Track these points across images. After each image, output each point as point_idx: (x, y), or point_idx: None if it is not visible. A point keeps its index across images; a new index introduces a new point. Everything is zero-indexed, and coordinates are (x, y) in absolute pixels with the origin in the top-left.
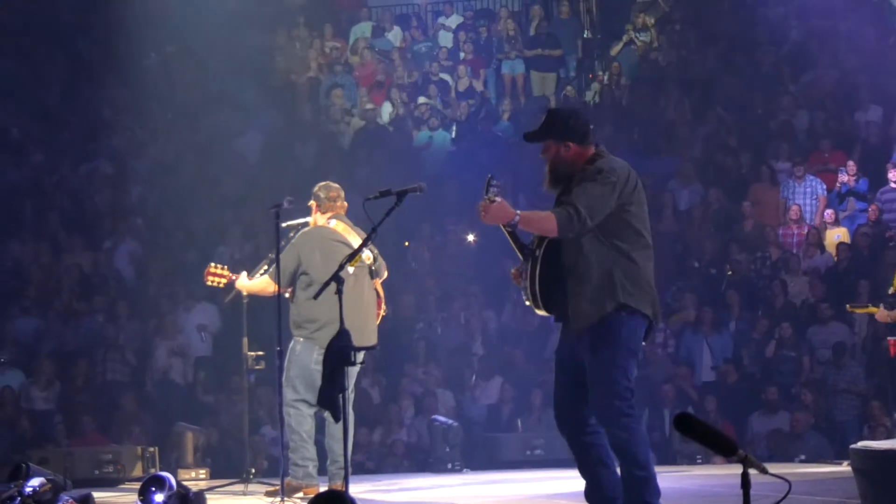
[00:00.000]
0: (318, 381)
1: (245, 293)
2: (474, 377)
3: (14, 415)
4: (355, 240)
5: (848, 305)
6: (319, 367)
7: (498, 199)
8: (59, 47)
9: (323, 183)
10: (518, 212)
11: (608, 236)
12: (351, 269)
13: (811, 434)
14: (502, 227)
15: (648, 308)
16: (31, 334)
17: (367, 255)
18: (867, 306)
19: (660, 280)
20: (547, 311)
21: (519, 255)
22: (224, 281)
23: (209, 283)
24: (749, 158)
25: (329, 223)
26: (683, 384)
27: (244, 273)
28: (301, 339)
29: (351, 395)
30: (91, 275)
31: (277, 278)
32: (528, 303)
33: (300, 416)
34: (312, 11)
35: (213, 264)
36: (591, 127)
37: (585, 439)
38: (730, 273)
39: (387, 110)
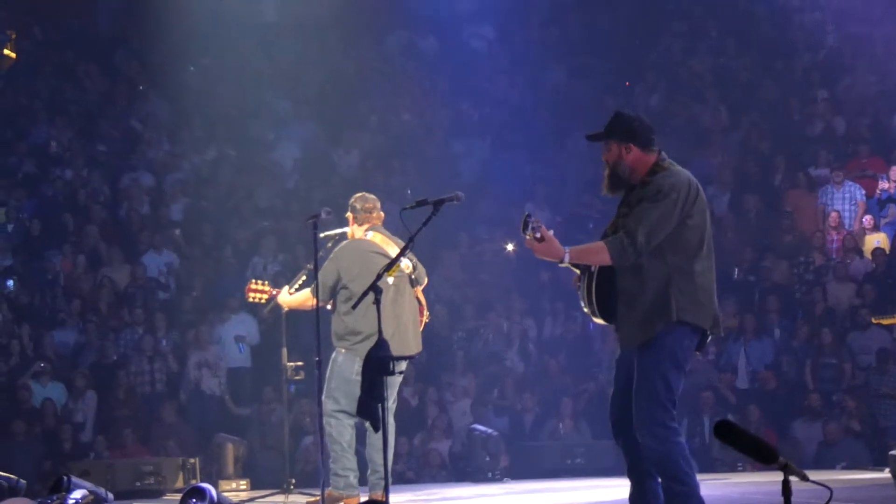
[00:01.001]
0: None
1: (286, 308)
2: (506, 387)
3: (55, 427)
4: (393, 250)
5: (873, 318)
6: (360, 378)
7: (539, 234)
8: (98, 61)
9: (359, 194)
10: (567, 249)
11: (667, 252)
12: (391, 280)
13: (853, 440)
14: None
15: (707, 321)
16: (71, 347)
17: (406, 264)
18: (894, 317)
19: None
20: (606, 320)
21: (574, 270)
22: (265, 297)
23: (250, 299)
24: (786, 164)
25: (366, 235)
26: (723, 391)
27: (285, 288)
28: (343, 351)
29: (392, 405)
30: (130, 286)
31: (317, 292)
32: (586, 310)
33: (341, 427)
34: (347, 20)
35: (253, 280)
36: (654, 134)
37: (640, 450)
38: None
39: (424, 120)
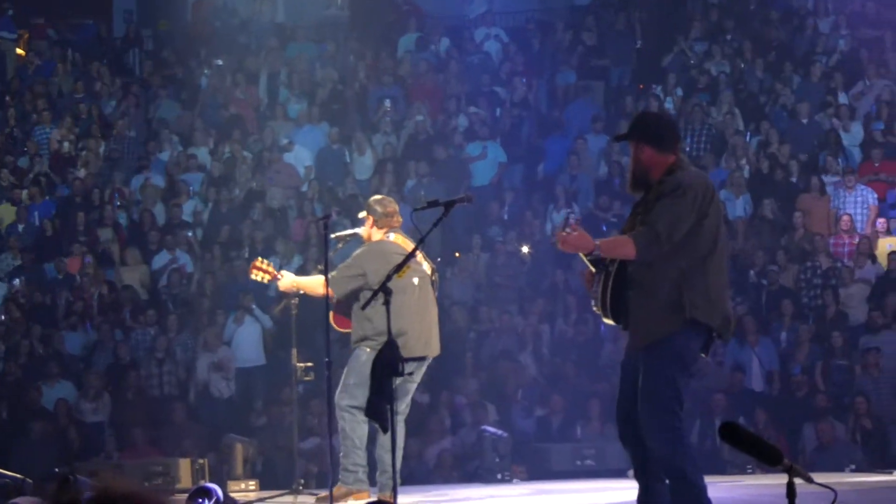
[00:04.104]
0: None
1: (294, 289)
2: (520, 390)
3: (67, 427)
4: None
5: None
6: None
7: (575, 232)
8: (112, 62)
9: (379, 197)
10: (597, 241)
11: (682, 251)
12: (416, 280)
13: (862, 443)
14: (581, 255)
15: (717, 320)
16: (82, 347)
17: (428, 266)
18: None
19: None
20: (615, 321)
21: (591, 267)
22: (268, 277)
23: (252, 275)
24: (799, 168)
25: (388, 237)
26: (735, 394)
27: (288, 273)
28: (367, 350)
29: (405, 408)
30: (142, 288)
31: (334, 284)
32: (596, 310)
33: (354, 423)
34: (361, 23)
35: (259, 259)
36: (676, 136)
37: (646, 452)
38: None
39: (436, 121)
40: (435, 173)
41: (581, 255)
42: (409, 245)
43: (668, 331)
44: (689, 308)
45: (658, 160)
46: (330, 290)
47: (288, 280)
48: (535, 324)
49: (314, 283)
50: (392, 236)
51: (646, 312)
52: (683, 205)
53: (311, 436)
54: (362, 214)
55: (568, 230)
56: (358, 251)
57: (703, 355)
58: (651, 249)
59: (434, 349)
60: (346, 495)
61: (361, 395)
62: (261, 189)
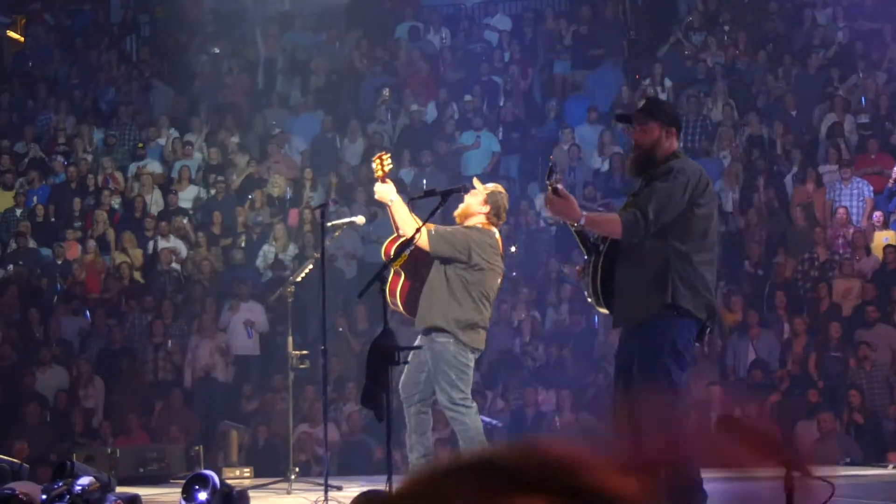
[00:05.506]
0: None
1: (387, 202)
2: (501, 383)
3: (63, 413)
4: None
5: None
6: (472, 365)
7: (560, 185)
8: (110, 48)
9: (503, 191)
10: (584, 213)
11: (670, 236)
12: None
13: (856, 436)
14: (568, 224)
15: (702, 312)
16: (77, 333)
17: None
18: None
19: None
20: (608, 308)
21: (583, 250)
22: (381, 174)
23: (373, 162)
24: (795, 160)
25: (491, 230)
26: (730, 386)
27: (392, 188)
28: (452, 340)
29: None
30: (138, 274)
31: (436, 239)
32: (589, 299)
33: (471, 413)
34: (357, 11)
35: (386, 152)
36: (680, 124)
37: None
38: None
39: (432, 110)
40: (430, 162)
41: (568, 224)
42: (500, 245)
43: (651, 312)
44: (671, 292)
45: (665, 142)
46: (426, 242)
47: (388, 193)
48: (531, 315)
49: (407, 219)
50: (494, 231)
51: (631, 289)
52: (675, 188)
53: (304, 423)
54: (479, 186)
55: (554, 181)
56: (469, 231)
57: (697, 343)
58: (637, 229)
59: None
60: None
61: (466, 387)
62: (259, 176)
